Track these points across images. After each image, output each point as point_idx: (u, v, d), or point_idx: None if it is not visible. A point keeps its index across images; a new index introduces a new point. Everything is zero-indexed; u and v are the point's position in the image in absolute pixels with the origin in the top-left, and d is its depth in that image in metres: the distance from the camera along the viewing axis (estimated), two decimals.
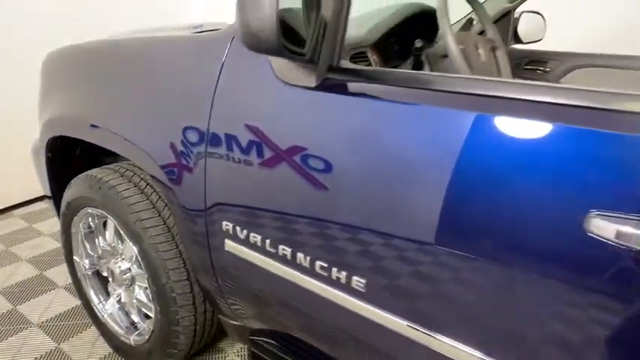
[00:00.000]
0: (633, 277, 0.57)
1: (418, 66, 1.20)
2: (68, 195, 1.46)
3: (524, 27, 2.23)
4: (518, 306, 0.67)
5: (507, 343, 0.70)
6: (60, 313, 1.76)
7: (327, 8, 0.80)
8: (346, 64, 0.86)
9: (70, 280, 1.70)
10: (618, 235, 0.56)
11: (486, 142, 0.68)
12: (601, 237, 0.57)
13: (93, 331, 1.63)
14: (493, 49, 1.30)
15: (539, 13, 2.21)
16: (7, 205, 2.63)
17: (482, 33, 2.09)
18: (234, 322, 1.26)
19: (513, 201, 0.65)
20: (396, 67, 1.24)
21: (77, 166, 1.54)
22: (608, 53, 1.92)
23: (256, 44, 0.67)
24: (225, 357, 1.56)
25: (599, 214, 0.57)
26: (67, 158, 1.60)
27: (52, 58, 1.58)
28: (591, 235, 0.58)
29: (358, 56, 1.10)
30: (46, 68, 1.60)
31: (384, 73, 0.88)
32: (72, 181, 1.45)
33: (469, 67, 1.05)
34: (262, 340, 1.22)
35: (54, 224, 2.43)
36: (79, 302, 1.77)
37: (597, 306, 0.60)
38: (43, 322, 1.71)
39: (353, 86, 0.83)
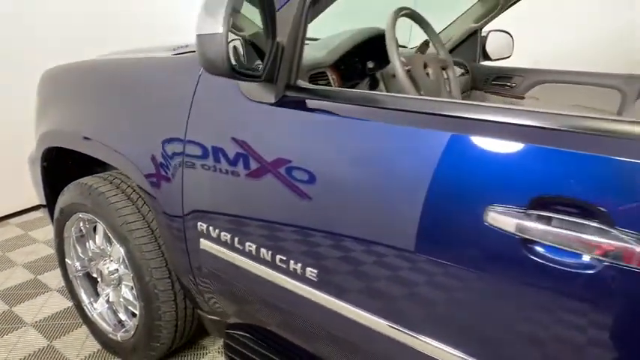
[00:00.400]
0: (518, 258, 0.69)
1: (374, 85, 1.33)
2: (61, 201, 1.58)
3: (493, 45, 2.39)
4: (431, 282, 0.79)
5: (430, 319, 0.82)
6: (53, 314, 1.86)
7: (284, 35, 0.94)
8: (303, 83, 0.99)
9: (62, 284, 1.82)
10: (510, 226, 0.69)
11: (413, 152, 0.81)
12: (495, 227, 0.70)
13: (84, 330, 1.73)
14: (443, 68, 1.44)
15: (507, 32, 2.36)
16: (3, 214, 2.73)
17: (452, 51, 2.25)
18: (212, 317, 1.38)
19: (433, 201, 0.77)
20: (354, 85, 1.37)
21: (70, 175, 1.66)
22: (569, 70, 2.07)
23: (213, 69, 0.81)
24: (206, 354, 1.66)
25: (494, 209, 0.70)
26: (60, 168, 1.72)
27: (48, 76, 1.71)
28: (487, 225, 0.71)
29: (319, 76, 1.24)
30: (43, 85, 1.73)
31: (334, 91, 1.01)
32: (65, 189, 1.57)
33: (416, 85, 1.18)
34: (237, 334, 1.33)
35: (48, 232, 2.54)
36: (70, 304, 1.87)
37: (490, 282, 0.73)
38: (36, 322, 1.81)
39: (308, 103, 0.96)
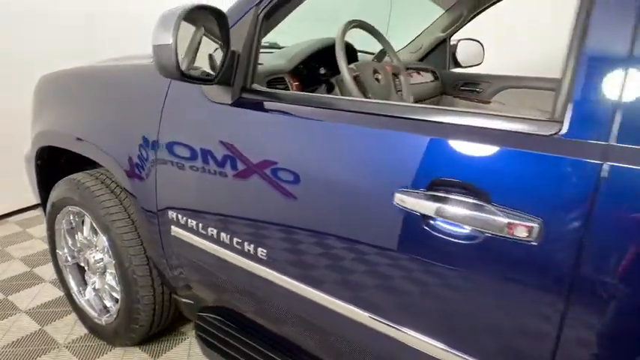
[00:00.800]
0: (420, 232, 0.82)
1: (330, 89, 1.47)
2: (53, 196, 1.72)
3: (465, 53, 2.53)
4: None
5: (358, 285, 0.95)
6: (45, 302, 2.00)
7: (239, 46, 1.08)
8: (258, 87, 1.13)
9: (55, 276, 1.95)
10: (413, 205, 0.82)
11: (344, 146, 0.94)
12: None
13: (73, 317, 1.87)
14: (396, 74, 1.58)
15: (477, 41, 2.50)
16: (3, 213, 2.88)
17: (423, 59, 2.38)
18: (185, 300, 1.51)
19: (355, 187, 0.90)
20: (314, 90, 1.51)
21: (61, 173, 1.80)
22: (532, 76, 2.20)
23: (166, 74, 0.95)
24: (184, 339, 1.79)
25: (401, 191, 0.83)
26: (53, 166, 1.86)
27: (44, 81, 1.86)
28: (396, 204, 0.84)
29: (277, 81, 1.38)
30: (39, 89, 1.88)
31: (284, 94, 1.15)
32: (56, 185, 1.71)
33: (363, 89, 1.32)
34: (208, 316, 1.46)
35: (44, 229, 2.68)
36: (61, 293, 2.01)
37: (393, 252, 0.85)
38: (29, 309, 1.95)
39: (261, 104, 1.10)
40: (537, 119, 0.73)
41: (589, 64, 0.67)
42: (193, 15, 0.93)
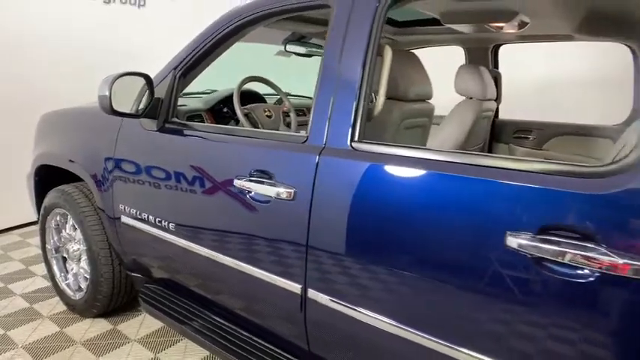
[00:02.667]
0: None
1: (237, 122, 2.08)
2: (45, 202, 2.31)
3: None
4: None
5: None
6: (35, 289, 2.55)
7: (163, 92, 1.69)
8: (175, 119, 1.73)
9: (45, 272, 2.51)
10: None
11: (223, 156, 1.52)
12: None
13: (56, 299, 2.41)
14: (286, 113, 2.19)
15: None
16: (8, 226, 3.47)
17: None
18: (135, 275, 2.06)
19: (228, 186, 1.48)
20: (227, 123, 2.12)
21: (51, 186, 2.38)
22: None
23: (105, 111, 1.56)
24: (141, 312, 2.31)
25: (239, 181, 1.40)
26: (46, 182, 2.45)
27: (44, 117, 2.49)
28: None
29: (197, 116, 1.99)
30: (40, 123, 2.50)
31: (191, 124, 1.75)
32: (48, 193, 2.30)
33: (254, 123, 1.93)
34: (152, 286, 2.00)
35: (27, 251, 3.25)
36: (49, 284, 2.55)
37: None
38: (23, 294, 2.49)
39: (176, 130, 1.69)
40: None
41: None
42: (126, 77, 1.55)
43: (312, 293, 1.27)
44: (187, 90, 1.93)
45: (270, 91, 2.33)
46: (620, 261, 0.80)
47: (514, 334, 0.95)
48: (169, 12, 3.89)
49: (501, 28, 1.73)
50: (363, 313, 1.18)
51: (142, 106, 1.64)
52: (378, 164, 1.15)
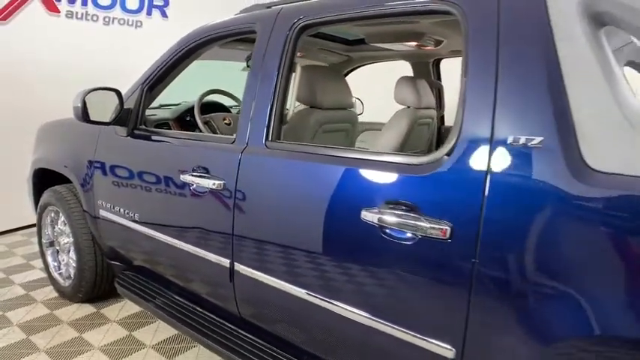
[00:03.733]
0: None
1: (190, 128, 2.38)
2: (41, 201, 2.63)
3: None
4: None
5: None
6: (33, 279, 2.87)
7: (132, 104, 2.00)
8: (142, 127, 2.04)
9: (41, 265, 2.83)
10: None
11: (171, 155, 1.82)
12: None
13: (50, 287, 2.72)
14: None
15: (357, 98, 3.39)
16: (13, 227, 3.82)
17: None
18: (114, 262, 2.35)
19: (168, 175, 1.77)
20: (191, 131, 2.43)
21: (46, 187, 2.71)
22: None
23: (78, 119, 1.87)
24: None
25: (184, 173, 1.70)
26: (42, 184, 2.78)
27: (43, 127, 2.83)
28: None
29: (165, 124, 2.29)
30: (39, 132, 2.84)
31: (155, 130, 2.05)
32: (43, 193, 2.63)
33: (212, 129, 2.22)
34: (128, 272, 2.30)
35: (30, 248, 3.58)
36: (45, 275, 2.86)
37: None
38: (22, 283, 2.82)
39: (143, 136, 2.00)
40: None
41: None
42: (98, 92, 1.87)
43: (237, 266, 1.55)
44: (166, 102, 2.25)
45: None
46: (436, 226, 1.06)
47: (368, 282, 1.23)
48: (163, 31, 4.24)
49: (418, 46, 1.99)
50: (276, 281, 1.44)
51: (113, 115, 1.95)
52: (283, 159, 1.43)
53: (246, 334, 1.64)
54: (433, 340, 1.10)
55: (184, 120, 2.42)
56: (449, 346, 1.08)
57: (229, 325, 1.75)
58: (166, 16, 4.42)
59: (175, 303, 1.93)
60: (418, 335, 1.13)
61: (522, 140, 0.97)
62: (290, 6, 1.56)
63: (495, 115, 1.02)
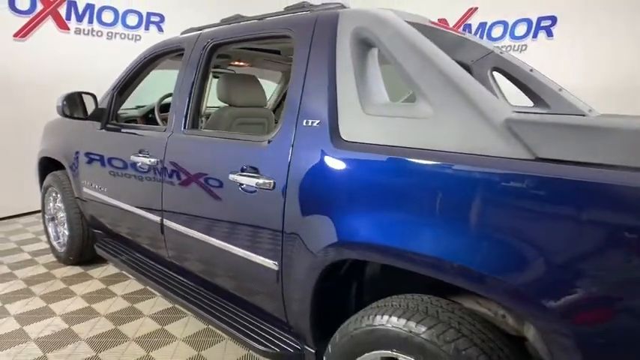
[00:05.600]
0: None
1: (153, 124, 2.97)
2: (44, 183, 3.27)
3: None
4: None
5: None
6: (40, 249, 3.51)
7: (105, 105, 2.60)
8: (113, 122, 2.62)
9: (41, 247, 3.46)
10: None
11: (132, 144, 2.40)
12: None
13: (50, 255, 3.35)
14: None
15: None
16: (30, 210, 4.50)
17: (276, 109, 3.83)
18: (96, 231, 2.95)
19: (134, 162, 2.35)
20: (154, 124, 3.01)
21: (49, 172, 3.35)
22: None
23: (59, 114, 2.47)
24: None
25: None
26: (46, 169, 3.42)
27: (47, 124, 3.47)
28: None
29: (133, 121, 2.88)
30: (46, 128, 3.48)
31: (122, 124, 2.63)
32: (46, 177, 3.27)
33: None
34: (106, 239, 2.89)
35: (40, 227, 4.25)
36: (47, 246, 3.49)
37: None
38: (30, 251, 3.46)
39: (114, 129, 2.59)
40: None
41: None
42: (76, 95, 2.47)
43: (166, 222, 2.11)
44: (141, 104, 2.85)
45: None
46: (267, 181, 1.58)
47: (233, 221, 1.76)
48: None
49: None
50: (189, 230, 1.99)
51: (88, 113, 2.55)
52: (192, 142, 1.98)
53: (172, 273, 2.21)
54: (267, 260, 1.62)
55: (148, 117, 3.01)
56: (275, 262, 1.60)
57: (162, 268, 2.33)
58: (162, 31, 5.07)
59: (133, 257, 2.51)
60: (260, 257, 1.65)
61: (309, 123, 1.50)
62: (206, 31, 2.12)
63: (300, 107, 1.54)
